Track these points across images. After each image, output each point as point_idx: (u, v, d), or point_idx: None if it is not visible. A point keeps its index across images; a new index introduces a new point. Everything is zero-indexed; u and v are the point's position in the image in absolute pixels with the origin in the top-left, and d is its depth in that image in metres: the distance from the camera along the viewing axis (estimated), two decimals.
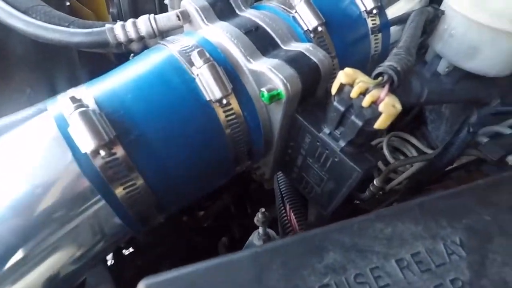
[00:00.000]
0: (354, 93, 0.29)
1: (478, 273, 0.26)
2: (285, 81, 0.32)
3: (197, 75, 0.32)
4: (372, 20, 0.46)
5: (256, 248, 0.27)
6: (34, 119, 0.32)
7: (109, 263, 0.73)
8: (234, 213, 0.86)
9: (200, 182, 0.37)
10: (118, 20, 0.48)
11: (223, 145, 0.35)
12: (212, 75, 0.32)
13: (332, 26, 0.42)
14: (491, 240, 0.28)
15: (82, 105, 0.28)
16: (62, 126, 0.29)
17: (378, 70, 0.30)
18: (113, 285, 0.51)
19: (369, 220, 0.29)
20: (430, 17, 0.53)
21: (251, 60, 0.35)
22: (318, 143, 0.35)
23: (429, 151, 0.70)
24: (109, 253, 0.66)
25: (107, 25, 0.42)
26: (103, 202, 0.30)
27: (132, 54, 0.47)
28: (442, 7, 0.55)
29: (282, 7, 0.43)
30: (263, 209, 0.51)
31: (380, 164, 0.72)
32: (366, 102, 0.28)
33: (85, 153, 0.28)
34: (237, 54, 0.36)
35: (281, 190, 0.61)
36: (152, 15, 0.42)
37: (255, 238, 0.53)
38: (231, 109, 0.34)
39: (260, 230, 0.52)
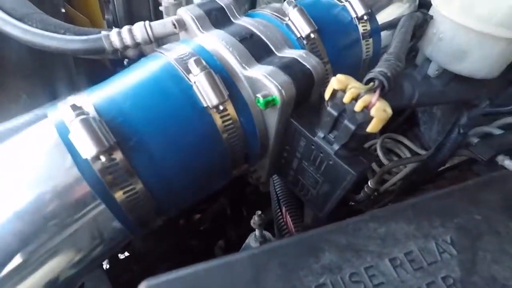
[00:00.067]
0: (346, 99, 0.30)
1: (468, 271, 0.27)
2: (279, 87, 0.33)
3: (194, 82, 0.33)
4: (363, 25, 0.48)
5: (253, 250, 0.28)
6: (35, 126, 0.32)
7: (104, 267, 0.72)
8: (230, 216, 0.87)
9: (198, 186, 0.37)
10: (113, 27, 0.48)
11: (221, 150, 0.36)
12: (209, 82, 0.33)
13: (324, 32, 0.44)
14: (481, 239, 0.29)
15: (82, 113, 0.28)
16: (63, 132, 0.29)
17: (369, 76, 0.31)
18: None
19: (363, 221, 0.30)
20: (419, 22, 0.55)
21: (246, 67, 0.36)
22: (313, 147, 0.36)
23: (422, 152, 0.71)
24: (107, 258, 0.67)
25: (103, 32, 0.43)
26: (103, 206, 0.30)
27: (127, 60, 0.48)
28: (430, 12, 0.57)
29: (275, 15, 0.44)
30: (259, 212, 0.52)
31: (374, 165, 0.73)
32: (358, 107, 0.29)
33: (86, 159, 0.28)
34: (232, 61, 0.37)
35: (277, 192, 0.61)
36: (147, 22, 0.42)
37: (251, 241, 0.53)
38: (228, 114, 0.35)
39: (257, 232, 0.53)
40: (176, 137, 0.33)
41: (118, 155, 0.29)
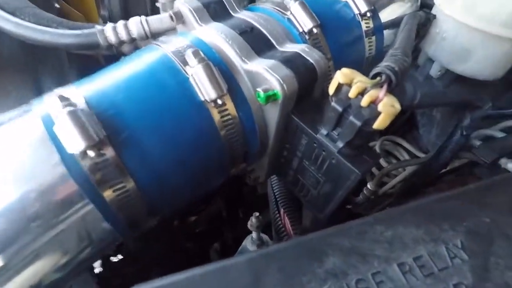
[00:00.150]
0: (352, 93, 0.28)
1: (481, 277, 0.25)
2: (281, 81, 0.31)
3: (191, 74, 0.32)
4: (366, 23, 0.46)
5: (251, 254, 0.26)
6: (19, 119, 0.30)
7: (97, 270, 0.70)
8: (226, 218, 0.85)
9: (194, 185, 0.35)
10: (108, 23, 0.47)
11: (218, 147, 0.34)
12: (206, 74, 0.31)
13: (327, 28, 0.42)
14: (493, 243, 0.28)
15: (70, 104, 0.27)
16: (49, 126, 0.27)
17: (376, 70, 0.29)
18: None
19: (368, 223, 0.28)
20: (422, 21, 0.54)
21: (246, 60, 0.35)
22: (314, 145, 0.34)
23: (421, 155, 0.70)
24: (97, 260, 0.64)
25: (98, 27, 0.41)
26: (91, 206, 0.28)
27: (122, 57, 0.46)
28: (433, 11, 0.56)
29: (276, 9, 0.42)
30: (257, 214, 0.50)
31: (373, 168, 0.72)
32: (365, 102, 0.27)
33: (73, 154, 0.26)
34: (232, 54, 0.35)
35: (275, 194, 0.60)
36: (144, 17, 0.41)
37: (248, 243, 0.51)
38: (226, 109, 0.33)
39: (254, 235, 0.51)
40: (171, 133, 0.31)
41: (108, 151, 0.27)
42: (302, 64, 0.34)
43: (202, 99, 0.32)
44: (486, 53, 0.52)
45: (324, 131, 0.32)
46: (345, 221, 0.29)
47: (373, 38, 0.48)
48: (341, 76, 0.29)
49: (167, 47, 0.35)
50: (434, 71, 0.60)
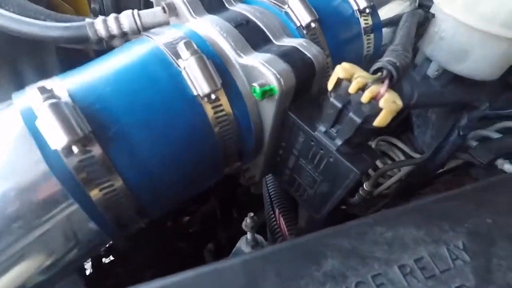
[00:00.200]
0: (352, 89, 0.27)
1: (483, 279, 0.25)
2: (278, 75, 0.30)
3: (184, 67, 0.30)
4: (364, 19, 0.46)
5: (246, 256, 0.25)
6: None
7: (88, 272, 0.68)
8: (220, 218, 0.83)
9: (186, 185, 0.34)
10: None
11: (212, 145, 0.32)
12: (199, 68, 0.30)
13: (325, 23, 0.41)
14: (494, 244, 0.27)
15: (52, 96, 0.25)
16: (30, 120, 0.25)
17: (377, 65, 0.28)
18: None
19: (367, 224, 0.27)
20: (421, 20, 0.53)
21: (241, 54, 0.33)
22: (312, 143, 0.33)
23: (416, 156, 0.70)
24: (84, 262, 0.62)
25: (88, 20, 0.39)
26: (76, 206, 0.27)
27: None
28: (432, 10, 0.55)
29: (273, 2, 0.41)
30: (251, 214, 0.49)
31: None
32: (365, 97, 0.26)
33: (56, 151, 0.25)
34: (226, 48, 0.34)
35: (270, 194, 0.58)
36: (136, 10, 0.39)
37: (243, 244, 0.50)
38: (220, 105, 0.31)
39: (248, 235, 0.50)
40: (162, 129, 0.29)
41: (94, 147, 0.26)
42: (299, 59, 0.33)
43: (195, 93, 0.30)
44: (484, 53, 0.51)
45: (322, 128, 0.31)
46: (341, 222, 0.28)
47: (372, 35, 0.47)
48: (341, 70, 0.27)
49: (159, 39, 0.33)
50: (432, 70, 0.59)
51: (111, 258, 0.74)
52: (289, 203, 0.58)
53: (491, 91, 0.60)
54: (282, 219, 0.56)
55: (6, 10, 0.42)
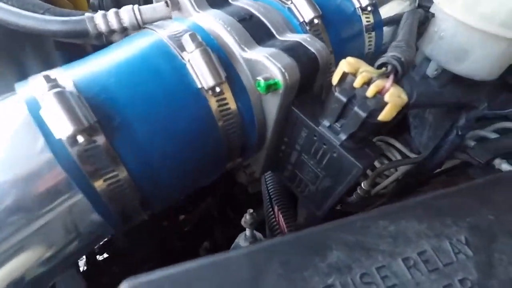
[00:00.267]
0: (357, 83, 0.27)
1: (486, 273, 0.25)
2: (283, 70, 0.30)
3: (188, 60, 0.30)
4: (366, 17, 0.46)
5: (250, 247, 0.24)
6: (0, 103, 0.28)
7: (81, 269, 0.68)
8: (217, 217, 0.83)
9: (188, 178, 0.34)
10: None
11: (215, 138, 0.32)
12: (204, 60, 0.30)
13: (327, 20, 0.41)
14: (496, 240, 0.27)
15: (57, 85, 0.25)
16: (34, 109, 0.25)
17: (382, 60, 0.28)
18: None
19: (371, 218, 0.27)
20: (421, 19, 0.53)
21: (245, 48, 0.33)
22: (315, 138, 0.33)
23: (413, 156, 0.70)
24: (84, 255, 0.62)
25: (87, 14, 0.39)
26: (80, 196, 0.26)
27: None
28: (432, 10, 0.56)
29: None
30: (251, 210, 0.49)
31: None
32: (370, 92, 0.26)
33: (61, 140, 0.25)
34: (230, 42, 0.34)
35: (269, 191, 0.58)
36: (136, 5, 0.39)
37: (241, 240, 0.50)
38: (225, 98, 0.31)
39: (247, 232, 0.50)
40: (166, 121, 0.29)
41: (99, 137, 0.26)
42: (304, 54, 0.33)
43: (199, 86, 0.30)
44: (483, 53, 0.52)
45: (326, 123, 0.31)
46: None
47: (373, 33, 0.47)
48: (346, 65, 0.28)
49: (162, 32, 0.33)
50: (431, 70, 0.60)
51: (106, 255, 0.73)
52: (288, 201, 0.58)
53: (490, 91, 0.61)
54: (281, 216, 0.56)
55: (4, 3, 0.42)
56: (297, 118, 0.34)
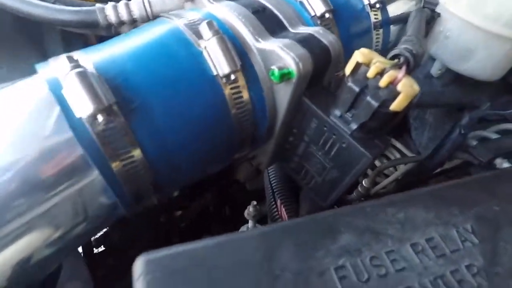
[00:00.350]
0: (371, 73, 0.28)
1: (491, 261, 0.26)
2: (297, 59, 0.31)
3: (205, 47, 0.31)
4: (374, 14, 0.47)
5: (264, 228, 0.25)
6: (20, 82, 0.29)
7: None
8: (214, 213, 0.83)
9: (200, 163, 0.34)
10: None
11: (228, 125, 0.33)
12: (221, 48, 0.30)
13: (338, 15, 0.42)
14: (501, 230, 0.28)
15: (79, 65, 0.25)
16: (56, 88, 0.26)
17: (394, 52, 0.29)
18: (89, 276, 0.47)
19: (380, 205, 0.28)
20: (427, 18, 0.54)
21: (259, 39, 0.34)
22: (325, 128, 0.34)
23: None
24: (92, 237, 0.62)
25: (98, 5, 0.40)
26: (95, 174, 0.27)
27: None
28: (438, 10, 0.57)
29: None
30: (254, 202, 0.50)
31: None
32: (383, 82, 0.27)
33: (81, 119, 0.25)
34: (244, 32, 0.34)
35: (272, 185, 0.59)
36: None
37: None
38: (238, 86, 0.32)
39: (250, 224, 0.50)
40: (182, 106, 0.30)
41: (117, 118, 0.26)
42: (316, 45, 0.33)
43: (215, 73, 0.31)
44: (487, 53, 0.52)
45: (337, 113, 0.32)
46: None
47: (381, 31, 0.48)
48: (360, 55, 0.28)
49: (179, 20, 0.34)
50: (435, 69, 0.61)
51: (102, 248, 0.73)
52: (291, 194, 0.58)
53: (492, 92, 0.62)
54: (283, 209, 0.57)
55: None
56: (307, 109, 0.35)
